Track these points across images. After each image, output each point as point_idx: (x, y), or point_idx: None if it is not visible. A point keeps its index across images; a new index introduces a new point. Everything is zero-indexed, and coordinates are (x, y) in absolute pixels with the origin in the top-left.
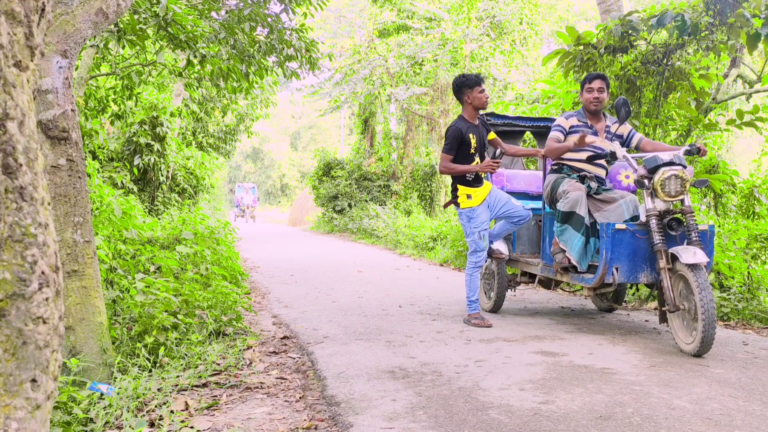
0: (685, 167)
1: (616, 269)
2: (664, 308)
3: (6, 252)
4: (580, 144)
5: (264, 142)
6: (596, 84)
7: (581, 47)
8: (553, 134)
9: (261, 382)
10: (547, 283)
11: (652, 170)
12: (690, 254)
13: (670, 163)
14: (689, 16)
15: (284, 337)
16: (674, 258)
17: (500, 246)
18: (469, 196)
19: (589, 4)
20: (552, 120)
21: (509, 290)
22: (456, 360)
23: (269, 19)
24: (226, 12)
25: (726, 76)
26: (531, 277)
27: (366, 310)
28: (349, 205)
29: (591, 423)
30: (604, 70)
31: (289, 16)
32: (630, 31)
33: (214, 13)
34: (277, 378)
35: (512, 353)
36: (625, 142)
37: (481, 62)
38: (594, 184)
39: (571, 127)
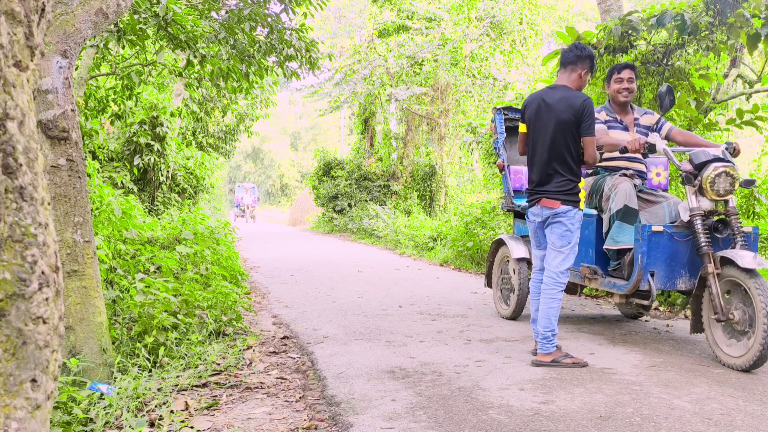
0: (733, 164)
1: (652, 275)
2: (701, 317)
3: (6, 252)
4: (635, 150)
5: (264, 142)
6: (626, 74)
7: None
8: (599, 127)
9: (261, 382)
10: (572, 289)
11: (699, 166)
12: (748, 258)
13: (719, 159)
14: (689, 16)
15: (284, 337)
16: (723, 262)
17: (519, 248)
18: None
19: (589, 4)
20: None
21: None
22: (456, 360)
23: (269, 19)
24: (226, 12)
25: (726, 76)
26: None
27: (366, 310)
28: (349, 205)
29: (591, 423)
30: (604, 70)
31: (289, 16)
32: (630, 31)
33: (214, 13)
34: (277, 378)
35: (512, 353)
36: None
37: (481, 62)
38: (638, 181)
39: (605, 121)
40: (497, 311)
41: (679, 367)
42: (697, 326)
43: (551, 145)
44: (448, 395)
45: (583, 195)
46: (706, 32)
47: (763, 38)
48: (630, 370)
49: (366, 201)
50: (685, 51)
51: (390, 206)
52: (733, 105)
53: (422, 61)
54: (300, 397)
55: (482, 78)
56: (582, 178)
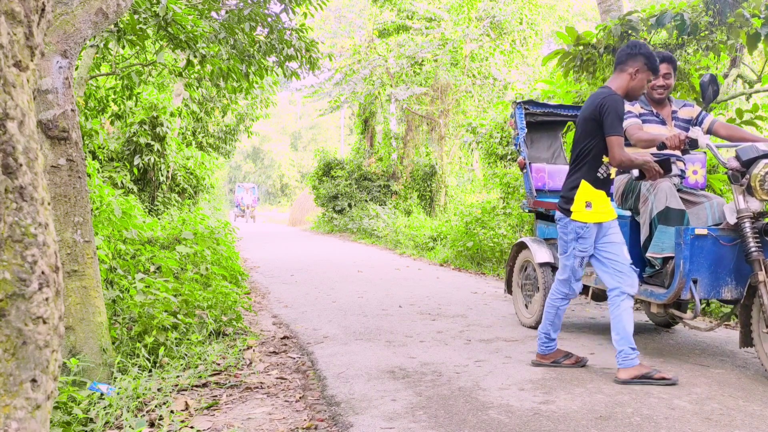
0: None
1: (695, 282)
2: (751, 329)
3: (6, 252)
4: (674, 146)
5: (264, 142)
6: (663, 68)
7: (581, 47)
8: (633, 121)
9: (261, 382)
10: (602, 296)
11: (748, 162)
12: None
13: None
14: (689, 15)
15: (284, 337)
16: None
17: (542, 252)
18: (588, 205)
19: (589, 4)
20: None
21: None
22: (456, 360)
23: (269, 19)
24: (226, 12)
25: (726, 76)
26: (583, 289)
27: (366, 310)
28: (349, 205)
29: (591, 423)
30: (603, 70)
31: (289, 16)
32: (630, 31)
33: (214, 13)
34: (277, 378)
35: (512, 353)
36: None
37: (481, 62)
38: (677, 180)
39: (640, 114)
40: (518, 319)
41: (679, 367)
42: (747, 339)
43: (573, 145)
44: (448, 395)
45: (581, 205)
46: (706, 32)
47: (763, 38)
48: None
49: (366, 201)
50: (685, 51)
51: (390, 206)
52: (733, 105)
53: (422, 61)
54: (300, 397)
55: (482, 78)
56: (586, 182)
